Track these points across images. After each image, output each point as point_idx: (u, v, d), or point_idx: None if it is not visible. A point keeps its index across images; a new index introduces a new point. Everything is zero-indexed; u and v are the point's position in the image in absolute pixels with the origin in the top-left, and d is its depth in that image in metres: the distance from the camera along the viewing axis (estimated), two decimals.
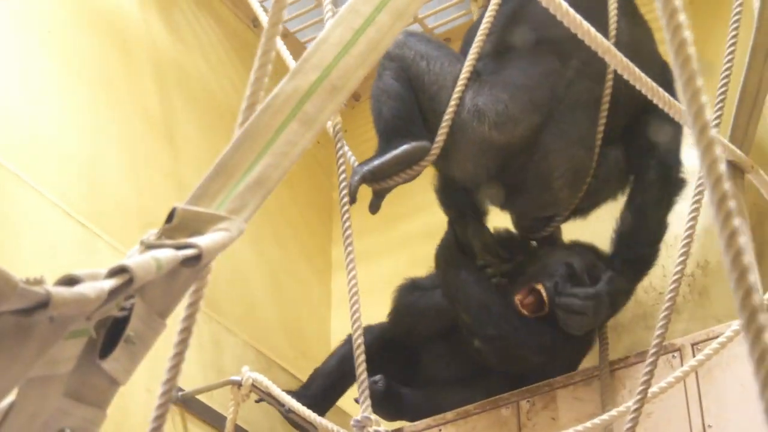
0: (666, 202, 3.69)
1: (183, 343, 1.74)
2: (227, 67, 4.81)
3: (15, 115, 3.73)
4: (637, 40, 3.67)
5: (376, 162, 3.57)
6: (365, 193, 3.60)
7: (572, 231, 3.93)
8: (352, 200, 3.48)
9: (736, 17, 2.87)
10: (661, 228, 3.69)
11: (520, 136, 3.55)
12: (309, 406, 3.52)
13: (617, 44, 3.45)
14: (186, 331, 1.74)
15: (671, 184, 3.70)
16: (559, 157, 3.58)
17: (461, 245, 3.80)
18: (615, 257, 3.69)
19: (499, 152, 3.57)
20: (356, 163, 3.60)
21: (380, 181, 3.59)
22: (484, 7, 4.81)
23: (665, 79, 3.58)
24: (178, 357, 1.75)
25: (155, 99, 4.34)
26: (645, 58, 3.58)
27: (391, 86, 3.69)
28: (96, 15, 4.18)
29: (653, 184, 3.68)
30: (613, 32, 3.57)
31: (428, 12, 5.07)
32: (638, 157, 3.76)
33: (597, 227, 3.86)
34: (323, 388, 4.00)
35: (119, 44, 4.25)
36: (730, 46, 2.83)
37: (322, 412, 3.67)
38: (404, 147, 3.56)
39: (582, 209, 3.80)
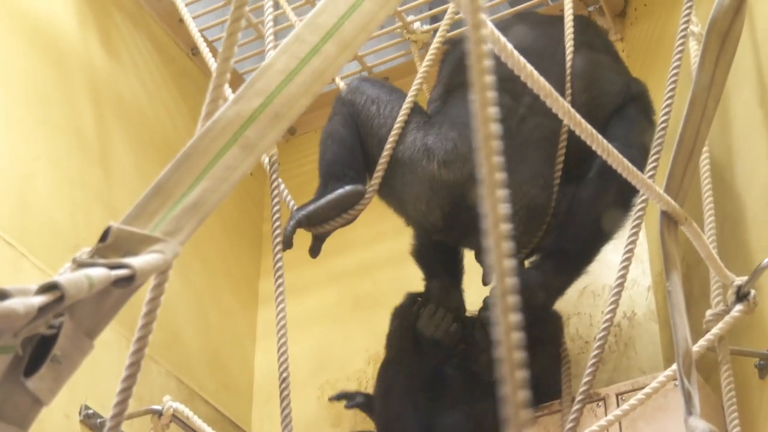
0: (603, 203, 3.57)
1: (136, 365, 1.71)
2: (163, 93, 4.77)
3: None
4: (593, 68, 3.69)
5: (312, 207, 3.55)
6: (300, 231, 3.59)
7: None
8: (287, 245, 3.46)
9: (675, 71, 2.90)
10: (593, 227, 3.61)
11: (469, 173, 3.51)
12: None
13: (572, 75, 3.58)
14: (139, 353, 1.71)
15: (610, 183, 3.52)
16: (512, 195, 3.53)
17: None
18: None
19: (450, 190, 3.55)
20: (289, 197, 3.59)
21: (317, 226, 3.58)
22: (424, 49, 4.86)
23: (629, 93, 3.64)
24: (131, 379, 1.71)
25: (89, 119, 4.29)
26: (603, 83, 3.63)
27: (337, 131, 3.69)
28: (32, 30, 4.11)
29: (591, 184, 3.59)
30: (569, 63, 3.61)
31: (368, 50, 5.09)
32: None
33: None
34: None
35: (55, 61, 4.19)
36: (668, 99, 2.86)
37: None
38: (339, 191, 3.55)
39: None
